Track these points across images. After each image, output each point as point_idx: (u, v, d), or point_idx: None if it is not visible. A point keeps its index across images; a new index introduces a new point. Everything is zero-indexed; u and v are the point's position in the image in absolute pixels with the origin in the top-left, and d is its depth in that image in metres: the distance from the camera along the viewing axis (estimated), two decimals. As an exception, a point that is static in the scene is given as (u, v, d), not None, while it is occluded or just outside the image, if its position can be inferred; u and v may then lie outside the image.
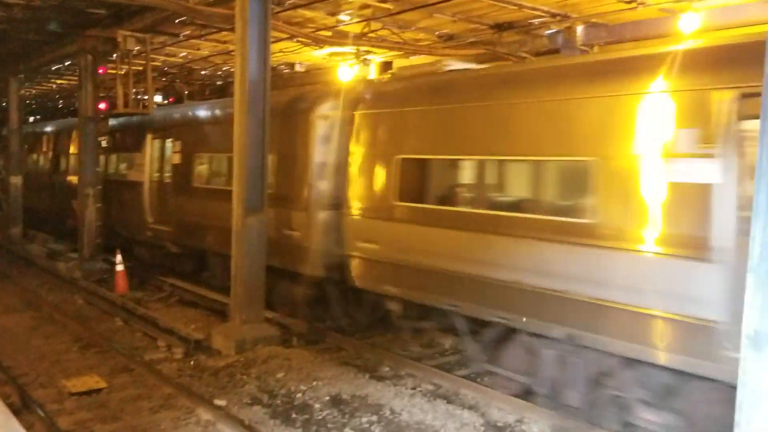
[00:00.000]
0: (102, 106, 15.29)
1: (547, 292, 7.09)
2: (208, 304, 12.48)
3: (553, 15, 12.71)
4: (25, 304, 12.80)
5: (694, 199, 5.92)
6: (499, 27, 13.63)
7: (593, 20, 12.95)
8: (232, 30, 11.27)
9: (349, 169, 9.84)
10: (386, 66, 16.91)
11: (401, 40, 14.30)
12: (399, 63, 16.87)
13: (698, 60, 6.38)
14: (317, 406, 7.62)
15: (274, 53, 15.13)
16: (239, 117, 9.83)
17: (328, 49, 16.29)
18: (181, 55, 19.18)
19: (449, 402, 7.88)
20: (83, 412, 7.49)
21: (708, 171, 5.78)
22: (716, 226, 5.73)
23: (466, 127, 8.26)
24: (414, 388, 8.32)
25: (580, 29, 13.36)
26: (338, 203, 10.02)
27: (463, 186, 8.76)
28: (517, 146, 7.72)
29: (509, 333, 7.91)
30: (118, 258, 13.91)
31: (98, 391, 8.06)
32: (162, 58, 19.34)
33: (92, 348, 9.94)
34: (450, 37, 14.78)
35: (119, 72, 14.68)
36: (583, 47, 13.50)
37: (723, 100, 5.73)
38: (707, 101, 5.83)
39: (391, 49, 14.84)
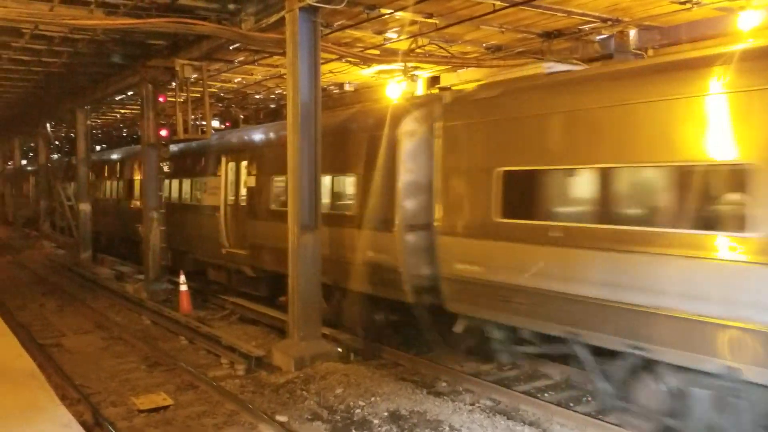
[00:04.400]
0: (163, 132, 15.88)
1: None
2: (268, 321, 12.73)
3: (604, 20, 12.54)
4: (95, 325, 13.35)
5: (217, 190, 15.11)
6: (549, 35, 13.53)
7: (646, 23, 12.70)
8: (283, 54, 11.59)
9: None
10: (434, 81, 16.97)
11: (449, 54, 14.37)
12: (446, 77, 16.90)
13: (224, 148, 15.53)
14: (376, 421, 7.65)
15: (324, 74, 15.44)
16: (292, 138, 10.05)
17: (376, 68, 16.51)
18: (236, 80, 19.79)
19: (509, 418, 7.77)
20: (151, 429, 7.74)
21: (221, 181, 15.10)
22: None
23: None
24: (472, 404, 8.25)
25: (632, 33, 13.12)
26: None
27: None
28: None
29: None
30: (182, 279, 14.35)
31: (165, 408, 8.32)
32: (218, 84, 20.01)
33: (159, 366, 10.27)
34: (498, 48, 14.76)
35: (178, 99, 15.24)
36: (636, 51, 13.24)
37: (228, 159, 14.79)
38: (222, 157, 14.99)
39: (438, 63, 14.91)
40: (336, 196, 11.63)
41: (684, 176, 6.54)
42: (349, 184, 11.28)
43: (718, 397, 6.30)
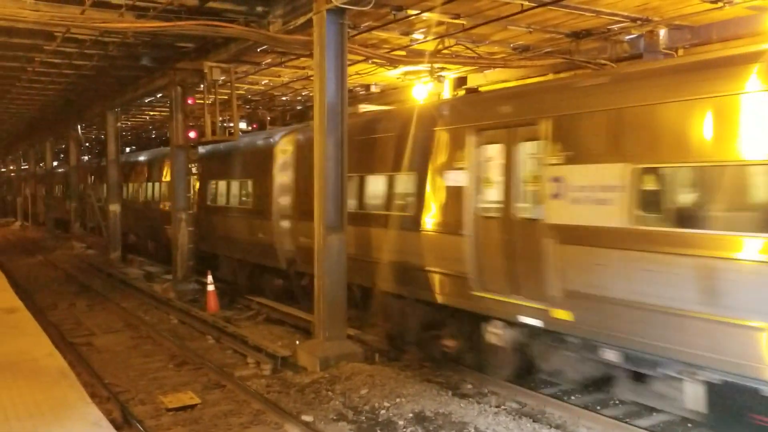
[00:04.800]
0: (192, 134, 16.07)
1: None
2: (294, 322, 12.80)
3: (634, 19, 12.36)
4: (125, 324, 13.55)
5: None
6: (577, 35, 13.38)
7: (676, 22, 12.49)
8: (310, 56, 11.64)
9: None
10: (460, 81, 16.92)
11: (475, 55, 14.28)
12: (473, 78, 16.84)
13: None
14: (401, 423, 7.63)
15: (351, 75, 15.44)
16: (319, 139, 10.10)
17: (402, 69, 16.49)
18: (263, 82, 19.92)
19: (535, 421, 7.71)
20: (179, 427, 7.82)
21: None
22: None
23: None
24: (498, 406, 8.20)
25: (662, 32, 12.92)
26: None
27: None
28: None
29: None
30: (209, 279, 14.50)
31: (192, 407, 8.40)
32: (245, 86, 20.17)
33: (186, 365, 10.39)
34: (525, 49, 14.64)
35: (206, 101, 15.40)
36: (666, 51, 13.03)
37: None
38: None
39: (465, 64, 14.84)
40: (245, 194, 15.85)
41: (402, 181, 10.43)
42: (249, 186, 15.49)
43: (405, 311, 10.37)
